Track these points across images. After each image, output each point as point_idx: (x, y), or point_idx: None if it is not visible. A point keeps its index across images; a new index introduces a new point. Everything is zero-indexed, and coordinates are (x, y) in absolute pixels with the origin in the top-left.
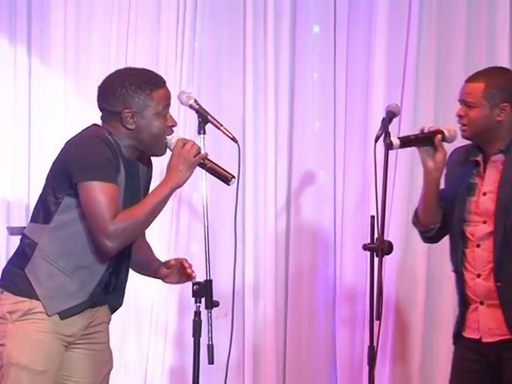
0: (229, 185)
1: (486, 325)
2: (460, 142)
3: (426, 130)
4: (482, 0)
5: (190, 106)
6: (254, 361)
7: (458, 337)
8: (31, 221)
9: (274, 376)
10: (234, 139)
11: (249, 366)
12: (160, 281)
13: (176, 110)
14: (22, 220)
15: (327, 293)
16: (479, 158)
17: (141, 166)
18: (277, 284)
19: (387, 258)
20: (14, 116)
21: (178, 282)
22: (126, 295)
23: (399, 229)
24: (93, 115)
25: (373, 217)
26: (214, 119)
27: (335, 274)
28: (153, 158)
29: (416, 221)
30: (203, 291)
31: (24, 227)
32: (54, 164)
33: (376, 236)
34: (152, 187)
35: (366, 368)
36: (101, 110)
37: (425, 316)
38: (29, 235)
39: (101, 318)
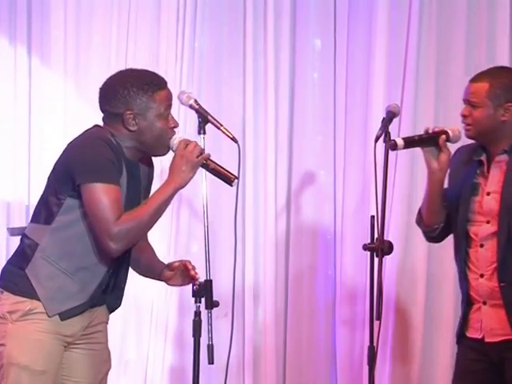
0: (231, 186)
1: (489, 325)
2: (463, 141)
3: (430, 131)
4: (482, 0)
5: (190, 106)
6: (254, 361)
7: (461, 337)
8: (32, 221)
9: (274, 376)
10: (234, 139)
11: (249, 365)
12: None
13: (176, 110)
14: (22, 220)
15: (327, 293)
16: (483, 158)
17: (142, 167)
18: (277, 284)
19: (387, 258)
20: (13, 116)
21: (181, 284)
22: (126, 295)
23: (399, 229)
24: (93, 115)
25: (373, 217)
26: (214, 119)
27: (335, 274)
28: (153, 158)
29: (420, 220)
30: (203, 291)
31: (24, 227)
32: (55, 165)
33: (376, 236)
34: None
35: (365, 368)
36: (102, 112)
37: (425, 316)
38: (30, 235)
39: (99, 318)
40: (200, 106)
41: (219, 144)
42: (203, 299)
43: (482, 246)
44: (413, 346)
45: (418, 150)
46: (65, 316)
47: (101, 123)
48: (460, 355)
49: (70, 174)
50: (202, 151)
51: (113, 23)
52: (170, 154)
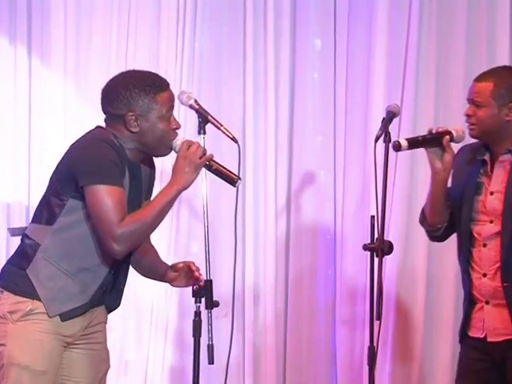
0: (235, 186)
1: (491, 324)
2: (466, 140)
3: (433, 131)
4: (482, 0)
5: (190, 106)
6: (254, 361)
7: (463, 336)
8: (33, 221)
9: (274, 376)
10: (234, 139)
11: (249, 366)
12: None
13: (176, 110)
14: (22, 219)
15: (327, 293)
16: (486, 158)
17: (143, 168)
18: (277, 284)
19: (387, 258)
20: (14, 116)
21: (185, 286)
22: (126, 295)
23: (399, 229)
24: (93, 115)
25: (373, 217)
26: (214, 119)
27: (335, 274)
28: (154, 159)
29: (423, 220)
30: (203, 291)
31: (25, 228)
32: (58, 166)
33: (376, 236)
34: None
35: (366, 368)
36: (105, 113)
37: (425, 316)
38: (31, 236)
39: (99, 318)
40: (200, 106)
41: (219, 144)
42: (203, 299)
43: (485, 245)
44: (413, 345)
45: (418, 150)
46: (65, 317)
47: (101, 123)
48: (462, 355)
49: (73, 176)
50: (204, 152)
51: (113, 23)
52: (171, 155)
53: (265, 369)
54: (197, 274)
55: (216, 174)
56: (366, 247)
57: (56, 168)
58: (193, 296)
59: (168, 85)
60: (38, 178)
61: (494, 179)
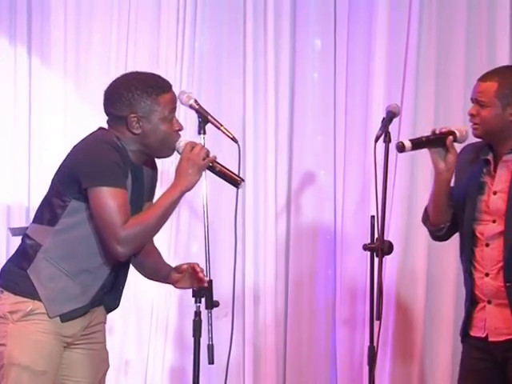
0: (238, 188)
1: (493, 324)
2: (469, 140)
3: (437, 131)
4: (482, 0)
5: (190, 106)
6: (254, 361)
7: (465, 336)
8: (34, 222)
9: (274, 376)
10: (234, 139)
11: (249, 366)
12: None
13: (176, 110)
14: (21, 219)
15: (327, 293)
16: (490, 157)
17: (145, 170)
18: (277, 284)
19: (387, 258)
20: (14, 116)
21: (189, 287)
22: (126, 295)
23: (399, 229)
24: (93, 115)
25: (373, 217)
26: (214, 119)
27: (335, 274)
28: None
29: (426, 220)
30: (203, 291)
31: (26, 227)
32: (60, 167)
33: (376, 236)
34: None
35: (366, 368)
36: (107, 115)
37: (425, 316)
38: (32, 236)
39: (98, 318)
40: (200, 106)
41: (219, 144)
42: (203, 299)
43: (487, 245)
44: (413, 345)
45: (417, 151)
46: (65, 318)
47: (102, 124)
48: (464, 354)
49: (76, 177)
50: (208, 154)
51: (113, 23)
52: (171, 156)
53: (265, 369)
54: (201, 275)
55: (219, 176)
56: (365, 247)
57: (58, 169)
58: (193, 296)
59: (170, 86)
60: (38, 178)
61: (497, 179)
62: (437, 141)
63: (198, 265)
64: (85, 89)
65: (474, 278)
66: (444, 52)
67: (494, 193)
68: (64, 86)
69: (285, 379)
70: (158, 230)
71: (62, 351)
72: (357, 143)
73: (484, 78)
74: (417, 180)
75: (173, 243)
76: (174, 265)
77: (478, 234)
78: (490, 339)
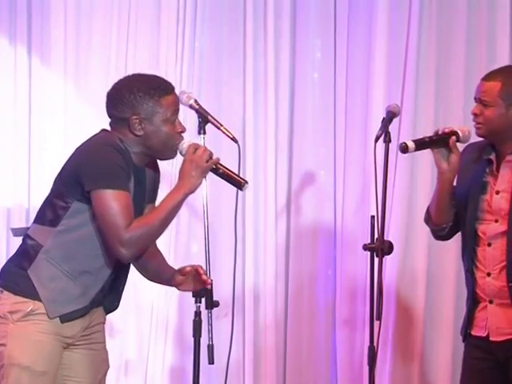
0: (242, 190)
1: (495, 323)
2: (472, 139)
3: (440, 132)
4: (482, 0)
5: (190, 106)
6: (254, 361)
7: (466, 335)
8: (36, 222)
9: (274, 376)
10: (234, 139)
11: (249, 366)
12: None
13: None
14: (21, 219)
15: (327, 293)
16: (492, 157)
17: (148, 172)
18: (277, 284)
19: (387, 258)
20: (14, 116)
21: (193, 289)
22: (126, 295)
23: (399, 229)
24: (93, 115)
25: (373, 217)
26: (214, 119)
27: (335, 274)
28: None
29: (428, 219)
30: (203, 291)
31: (27, 228)
32: (63, 169)
33: (376, 236)
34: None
35: (366, 368)
36: (110, 117)
37: (425, 316)
38: (33, 236)
39: (98, 318)
40: (200, 106)
41: (219, 144)
42: (203, 299)
43: (489, 244)
44: (413, 345)
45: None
46: (65, 319)
47: (102, 123)
48: (466, 354)
49: (79, 179)
50: (211, 155)
51: (113, 24)
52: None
53: (265, 369)
54: (204, 277)
55: (223, 178)
56: (366, 247)
57: (61, 170)
58: (193, 296)
59: (173, 88)
60: (38, 178)
61: (499, 178)
62: (440, 141)
63: (202, 267)
64: (85, 89)
65: (476, 277)
66: (444, 52)
67: (497, 192)
68: (64, 86)
69: (285, 379)
70: (161, 233)
71: (62, 352)
72: (357, 143)
73: (488, 78)
74: (417, 180)
75: (173, 243)
76: (174, 265)
77: (480, 234)
78: (492, 339)
